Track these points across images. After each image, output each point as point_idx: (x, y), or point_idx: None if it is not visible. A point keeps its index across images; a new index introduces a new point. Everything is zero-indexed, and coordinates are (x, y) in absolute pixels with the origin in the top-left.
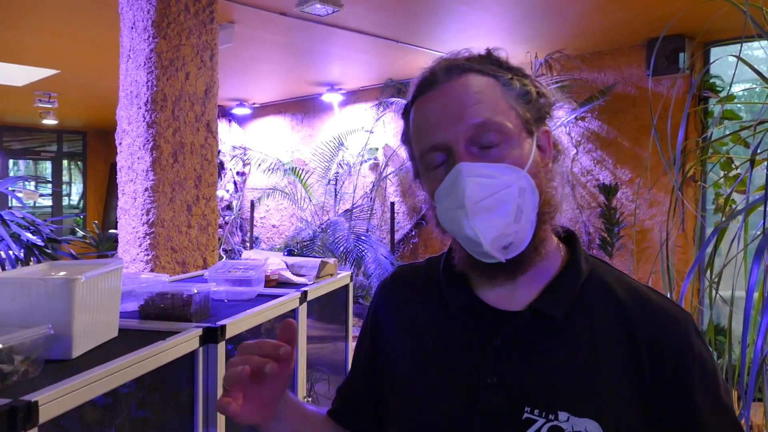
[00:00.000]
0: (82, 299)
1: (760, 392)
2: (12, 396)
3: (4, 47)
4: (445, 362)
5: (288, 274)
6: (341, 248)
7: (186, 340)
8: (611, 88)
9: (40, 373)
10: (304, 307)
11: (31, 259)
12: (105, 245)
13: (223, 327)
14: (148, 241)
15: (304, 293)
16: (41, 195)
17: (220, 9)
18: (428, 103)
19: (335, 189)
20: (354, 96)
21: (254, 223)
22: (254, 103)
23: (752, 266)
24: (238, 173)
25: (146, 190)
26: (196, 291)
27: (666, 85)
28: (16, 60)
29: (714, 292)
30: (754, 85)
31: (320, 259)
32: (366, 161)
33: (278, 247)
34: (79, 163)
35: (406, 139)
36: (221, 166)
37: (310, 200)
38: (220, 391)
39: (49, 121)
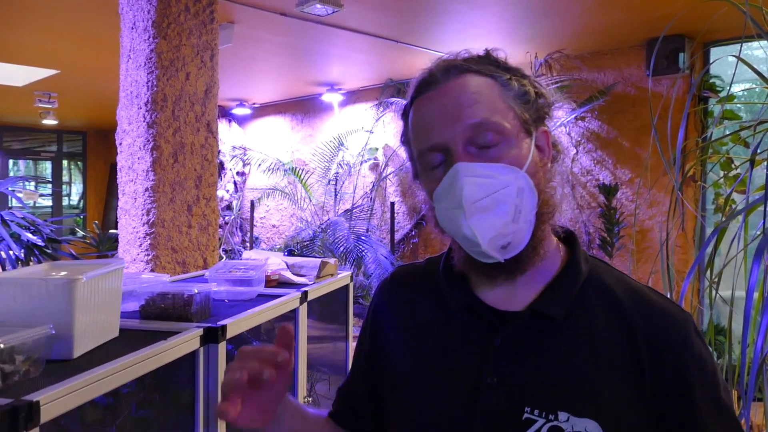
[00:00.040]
0: (83, 299)
1: (760, 392)
2: (13, 396)
3: (4, 47)
4: (445, 362)
5: (288, 274)
6: (341, 248)
7: (187, 340)
8: (611, 88)
9: (42, 372)
10: (304, 307)
11: (32, 259)
12: (105, 245)
13: (224, 327)
14: (149, 241)
15: (305, 293)
16: (41, 195)
17: (220, 9)
18: (427, 103)
19: (335, 189)
20: (354, 96)
21: (254, 223)
22: (254, 103)
23: (752, 266)
24: (238, 173)
25: (146, 190)
26: (196, 291)
27: (666, 85)
28: (16, 60)
29: (714, 292)
30: (754, 85)
31: (320, 259)
32: (366, 161)
33: (278, 247)
34: (79, 163)
35: (406, 139)
36: (221, 166)
37: (310, 200)
38: (221, 391)
39: (49, 121)
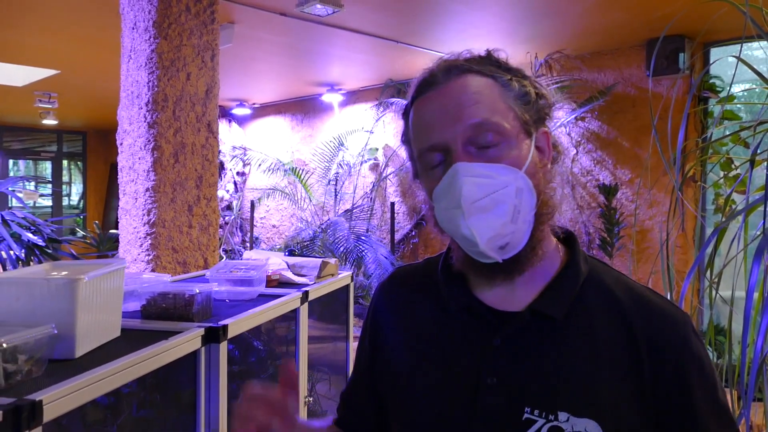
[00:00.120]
0: (85, 299)
1: (760, 392)
2: (16, 395)
3: (4, 47)
4: (444, 362)
5: (289, 274)
6: (341, 248)
7: (188, 340)
8: (611, 88)
9: (44, 372)
10: (305, 307)
11: (32, 259)
12: (105, 245)
13: (225, 327)
14: (149, 242)
15: (306, 293)
16: (41, 195)
17: (220, 9)
18: (427, 103)
19: (335, 189)
20: (354, 96)
21: (254, 223)
22: (254, 104)
23: (752, 266)
24: (238, 173)
25: (147, 190)
26: (198, 291)
27: (666, 85)
28: (16, 60)
29: (714, 292)
30: (754, 86)
31: (321, 260)
32: (366, 161)
33: (278, 247)
34: (79, 163)
35: (406, 139)
36: (221, 166)
37: (310, 200)
38: (222, 391)
39: (49, 121)
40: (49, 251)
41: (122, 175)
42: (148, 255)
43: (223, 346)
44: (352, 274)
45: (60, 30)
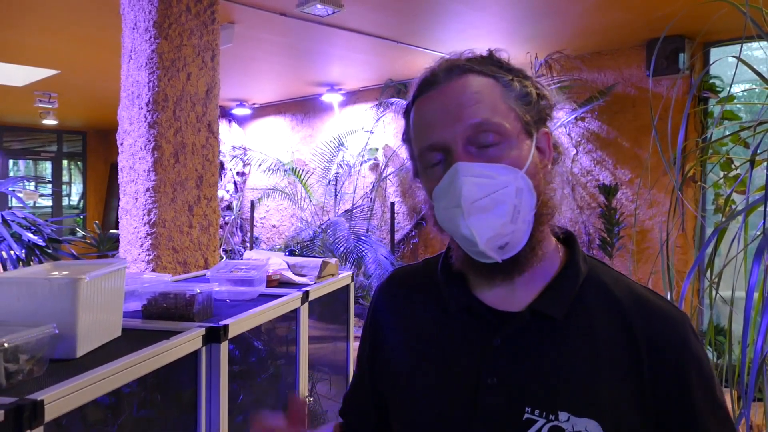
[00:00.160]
0: (86, 299)
1: (760, 392)
2: (18, 395)
3: (4, 47)
4: (444, 362)
5: (289, 274)
6: (341, 248)
7: (189, 340)
8: (611, 88)
9: (45, 372)
10: (305, 306)
11: (32, 259)
12: (105, 245)
13: (226, 327)
14: (150, 242)
15: (306, 293)
16: (41, 195)
17: (220, 9)
18: (428, 102)
19: (335, 189)
20: (354, 96)
21: (254, 223)
22: (254, 104)
23: (752, 266)
24: (238, 173)
25: (148, 190)
26: (198, 291)
27: (666, 85)
28: (16, 60)
29: (714, 292)
30: (754, 86)
31: (322, 260)
32: (366, 161)
33: (278, 247)
34: (79, 163)
35: (407, 137)
36: (221, 166)
37: (310, 200)
38: (222, 391)
39: (49, 122)
40: (50, 251)
41: (123, 175)
42: (149, 255)
43: (224, 346)
44: (353, 274)
45: (60, 30)
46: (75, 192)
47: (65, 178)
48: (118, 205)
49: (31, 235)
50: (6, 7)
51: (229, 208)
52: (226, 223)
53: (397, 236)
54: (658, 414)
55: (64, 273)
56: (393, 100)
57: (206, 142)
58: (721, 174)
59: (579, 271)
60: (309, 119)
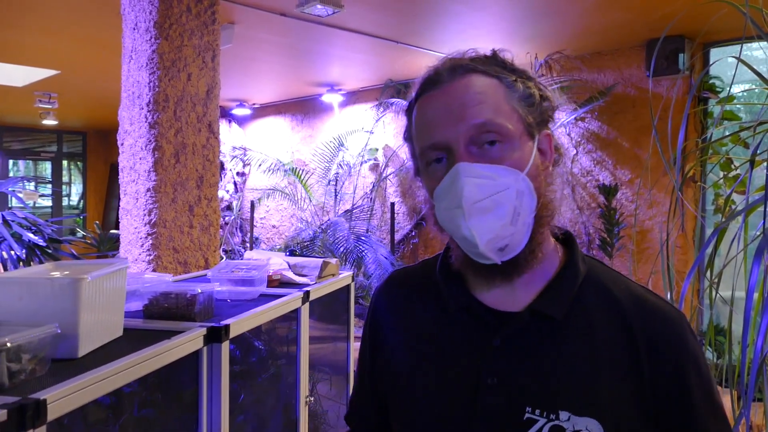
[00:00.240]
0: (88, 299)
1: (760, 392)
2: (20, 394)
3: (4, 47)
4: (444, 362)
5: (290, 274)
6: (341, 249)
7: (190, 340)
8: (611, 88)
9: (47, 371)
10: (306, 306)
11: (33, 259)
12: (106, 245)
13: (227, 326)
14: (150, 242)
15: (307, 293)
16: (41, 195)
17: (220, 10)
18: (431, 101)
19: (335, 189)
20: (354, 96)
21: (254, 223)
22: (254, 104)
23: (752, 266)
24: (238, 174)
25: (148, 190)
26: (200, 291)
27: (666, 85)
28: (16, 60)
29: (714, 292)
30: (754, 86)
31: (322, 260)
32: (366, 162)
33: (278, 247)
34: (78, 163)
35: (408, 136)
36: (221, 166)
37: (310, 201)
38: (224, 391)
39: (49, 122)
40: (50, 251)
41: (123, 175)
42: (149, 255)
43: (225, 346)
44: (353, 274)
45: (60, 30)
46: (75, 192)
47: (65, 179)
48: (118, 206)
49: (31, 236)
50: (6, 7)
51: (229, 208)
52: (226, 224)
53: (397, 236)
54: (658, 413)
55: (66, 273)
56: (393, 100)
57: (207, 142)
58: (721, 174)
59: (578, 271)
60: (309, 119)
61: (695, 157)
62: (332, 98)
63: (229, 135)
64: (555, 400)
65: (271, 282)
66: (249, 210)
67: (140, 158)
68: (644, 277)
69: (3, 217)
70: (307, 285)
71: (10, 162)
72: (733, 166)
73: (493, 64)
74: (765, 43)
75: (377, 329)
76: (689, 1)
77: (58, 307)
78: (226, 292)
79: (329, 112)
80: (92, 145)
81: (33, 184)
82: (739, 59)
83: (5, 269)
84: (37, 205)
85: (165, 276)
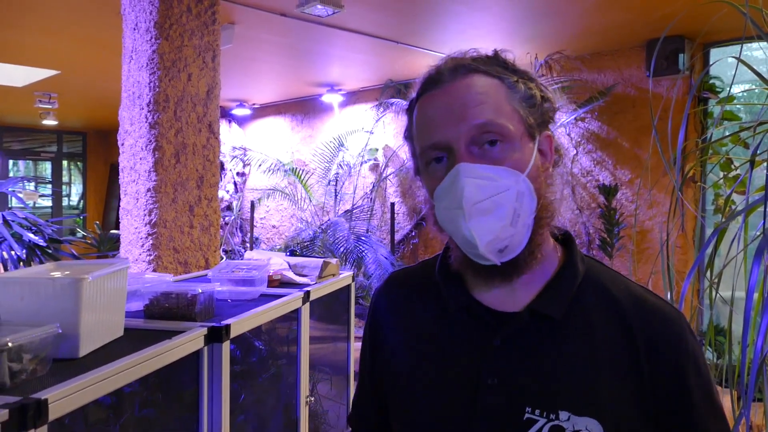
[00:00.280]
0: (89, 299)
1: (760, 392)
2: (22, 394)
3: (4, 47)
4: (444, 362)
5: (290, 275)
6: (341, 249)
7: (191, 340)
8: (611, 89)
9: (48, 371)
10: (306, 306)
11: (33, 259)
12: (106, 246)
13: (228, 326)
14: (151, 242)
15: (307, 293)
16: (41, 195)
17: (221, 10)
18: (432, 101)
19: (335, 189)
20: (354, 97)
21: (254, 223)
22: (254, 104)
23: (752, 267)
24: (238, 174)
25: (148, 190)
26: (200, 291)
27: (666, 86)
28: (17, 60)
29: (714, 292)
30: (754, 87)
31: (323, 260)
32: (366, 162)
33: (278, 247)
34: (78, 163)
35: (409, 135)
36: (221, 166)
37: (311, 201)
38: (224, 391)
39: (49, 122)
40: (50, 251)
41: (123, 175)
42: (150, 255)
43: (226, 346)
44: (353, 274)
45: (60, 30)
46: (75, 192)
47: (65, 179)
48: (118, 206)
49: (32, 236)
50: (6, 7)
51: (229, 208)
52: (226, 224)
53: (397, 236)
54: (658, 413)
55: (67, 273)
56: (393, 100)
57: (207, 142)
58: (721, 174)
59: (577, 271)
60: (309, 119)
61: (695, 157)
62: (332, 98)
63: (229, 135)
64: (555, 400)
65: (272, 282)
66: (249, 210)
67: (140, 158)
68: (644, 277)
69: (3, 217)
70: (308, 285)
71: (10, 162)
72: (733, 167)
73: (495, 65)
74: (765, 43)
75: (377, 329)
76: (689, 1)
77: (59, 307)
78: (227, 292)
79: (329, 112)
80: (92, 146)
81: (33, 184)
82: (739, 59)
83: (6, 269)
84: (37, 205)
85: (165, 276)
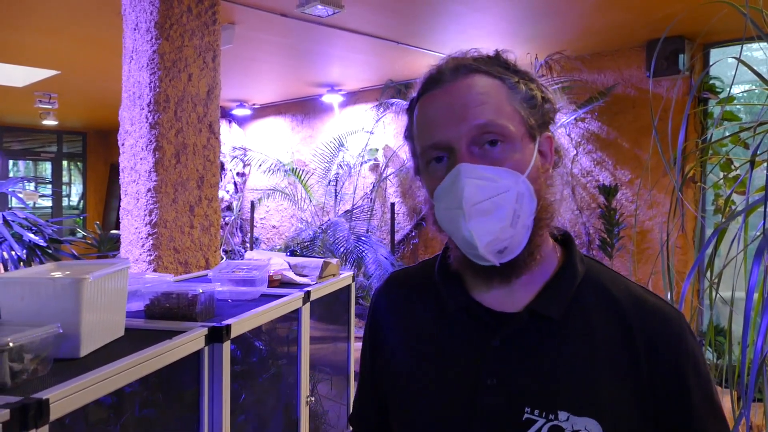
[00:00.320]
0: (89, 299)
1: (760, 392)
2: (23, 394)
3: (4, 47)
4: (444, 363)
5: (291, 275)
6: (341, 249)
7: (192, 340)
8: (611, 89)
9: (49, 371)
10: (307, 307)
11: (33, 259)
12: (106, 246)
13: (229, 326)
14: (151, 242)
15: (307, 293)
16: (41, 196)
17: (221, 10)
18: (433, 100)
19: (335, 190)
20: (354, 97)
21: (254, 223)
22: (254, 104)
23: (752, 267)
24: (238, 174)
25: (149, 190)
26: (201, 291)
27: (666, 86)
28: (17, 60)
29: (714, 292)
30: (754, 87)
31: (323, 260)
32: (366, 162)
33: (278, 247)
34: (78, 163)
35: (409, 134)
36: (221, 166)
37: (311, 201)
38: (225, 391)
39: (49, 122)
40: (51, 252)
41: (124, 175)
42: (150, 255)
43: (226, 346)
44: (353, 274)
45: (60, 30)
46: (75, 192)
47: (65, 179)
48: (118, 206)
49: (32, 236)
50: (6, 8)
51: (229, 208)
52: (226, 224)
53: (397, 237)
54: (657, 413)
55: (68, 273)
56: (393, 100)
57: (207, 142)
58: (721, 175)
59: (576, 271)
60: (309, 120)
61: (695, 157)
62: (332, 98)
63: (229, 135)
64: (554, 400)
65: (272, 282)
66: (249, 210)
67: (141, 158)
68: (644, 278)
69: (3, 217)
70: (308, 285)
71: (10, 162)
72: (733, 167)
73: (496, 65)
74: (765, 43)
75: (377, 330)
76: (689, 1)
77: (60, 307)
78: (227, 292)
79: (329, 113)
80: (92, 146)
81: (33, 184)
82: (739, 60)
83: (6, 269)
84: (37, 205)
85: (166, 276)
